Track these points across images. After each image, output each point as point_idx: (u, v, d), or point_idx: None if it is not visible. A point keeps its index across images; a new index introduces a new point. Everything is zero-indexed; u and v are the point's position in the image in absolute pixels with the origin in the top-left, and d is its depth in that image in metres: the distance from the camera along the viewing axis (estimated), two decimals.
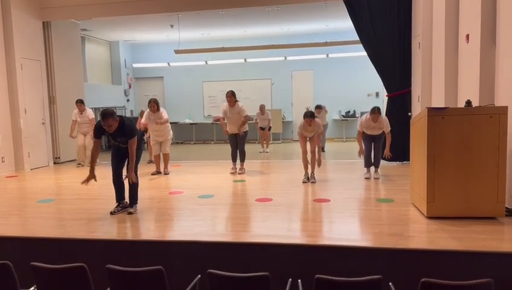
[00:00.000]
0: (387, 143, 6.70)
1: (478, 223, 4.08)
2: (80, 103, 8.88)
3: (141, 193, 5.16)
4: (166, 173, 7.72)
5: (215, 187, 6.38)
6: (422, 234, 3.97)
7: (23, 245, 4.16)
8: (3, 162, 8.29)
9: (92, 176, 4.76)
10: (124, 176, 5.06)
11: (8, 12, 8.28)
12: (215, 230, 4.43)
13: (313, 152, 6.60)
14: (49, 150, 9.36)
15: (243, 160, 7.63)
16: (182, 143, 14.29)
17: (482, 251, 3.44)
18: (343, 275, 2.61)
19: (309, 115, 6.45)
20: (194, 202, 5.48)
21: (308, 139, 6.64)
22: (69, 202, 5.76)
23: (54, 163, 9.50)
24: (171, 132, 8.02)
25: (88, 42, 12.79)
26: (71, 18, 9.72)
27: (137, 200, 5.09)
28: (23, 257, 3.52)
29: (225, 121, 7.63)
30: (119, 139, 4.85)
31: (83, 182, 4.74)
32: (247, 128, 7.62)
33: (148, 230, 4.51)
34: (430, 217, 4.28)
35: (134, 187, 5.02)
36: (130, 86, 14.59)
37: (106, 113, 4.59)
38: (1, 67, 8.32)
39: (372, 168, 6.92)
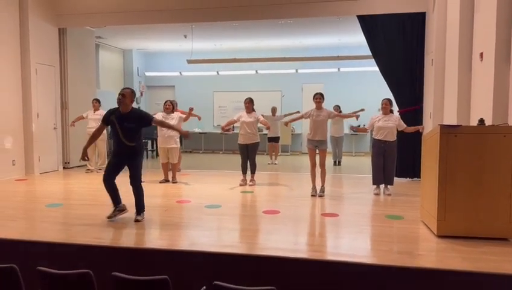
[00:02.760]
0: (412, 130, 6.72)
1: (489, 244, 3.99)
2: (96, 101, 9.07)
3: (148, 201, 5.15)
4: (174, 182, 7.72)
5: (223, 197, 6.36)
6: (432, 253, 3.90)
7: (30, 249, 4.16)
8: (13, 165, 8.36)
9: (84, 153, 4.98)
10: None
11: (25, 18, 8.44)
12: (222, 241, 4.39)
13: (322, 165, 6.56)
14: (59, 154, 9.43)
15: (253, 172, 7.51)
16: (190, 152, 14.33)
17: (493, 273, 3.36)
18: None
19: (318, 93, 6.63)
20: (201, 212, 5.46)
21: (317, 152, 6.60)
22: (77, 207, 5.77)
23: (64, 168, 9.56)
24: (178, 139, 7.87)
25: (102, 50, 12.95)
26: (86, 25, 9.87)
27: (144, 207, 5.06)
28: (29, 260, 3.51)
29: (232, 126, 7.57)
30: (126, 124, 4.77)
31: (81, 159, 5.05)
32: (259, 140, 7.55)
33: (154, 238, 4.49)
34: (440, 236, 4.21)
35: (140, 195, 5.00)
36: (141, 94, 14.71)
37: (127, 87, 4.99)
38: (16, 71, 8.45)
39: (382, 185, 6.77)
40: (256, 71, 13.07)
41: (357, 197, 6.58)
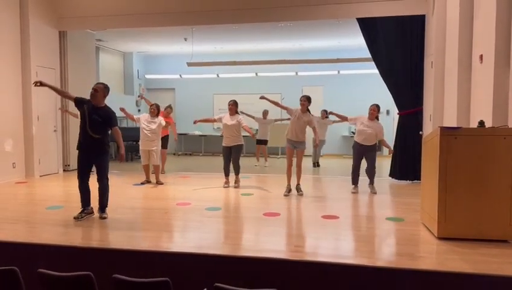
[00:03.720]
0: (385, 144, 7.02)
1: (490, 246, 3.99)
2: None
3: (149, 203, 5.17)
4: (159, 183, 7.72)
5: (223, 200, 6.36)
6: (432, 255, 3.90)
7: (30, 251, 4.16)
8: (14, 167, 8.36)
9: (42, 82, 5.23)
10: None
11: (26, 21, 8.45)
12: (223, 243, 4.39)
13: (298, 166, 6.71)
14: (59, 157, 9.43)
15: (237, 173, 7.52)
16: (190, 155, 14.34)
17: (493, 275, 3.36)
18: None
19: (304, 96, 6.73)
20: (202, 214, 5.46)
21: (295, 153, 6.72)
22: (77, 209, 5.73)
23: (64, 170, 9.56)
24: (159, 142, 7.94)
25: (102, 52, 12.97)
26: (87, 28, 9.88)
27: (107, 205, 5.15)
28: (30, 263, 3.51)
29: (215, 123, 7.59)
30: (94, 116, 4.92)
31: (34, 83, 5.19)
32: (242, 142, 7.54)
33: (155, 240, 4.48)
34: (440, 238, 4.21)
35: (104, 193, 5.10)
36: (142, 97, 14.69)
37: (100, 83, 5.20)
38: (17, 74, 8.46)
39: (364, 183, 6.97)
40: (256, 74, 13.08)
41: (357, 199, 6.58)
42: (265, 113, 11.44)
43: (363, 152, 6.92)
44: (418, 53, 7.92)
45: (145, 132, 7.73)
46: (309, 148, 8.38)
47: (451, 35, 6.47)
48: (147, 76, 14.63)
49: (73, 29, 9.55)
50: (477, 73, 5.53)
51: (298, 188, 6.72)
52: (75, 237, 4.45)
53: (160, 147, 8.02)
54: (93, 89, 5.03)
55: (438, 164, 4.17)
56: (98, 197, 5.15)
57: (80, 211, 5.15)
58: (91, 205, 5.17)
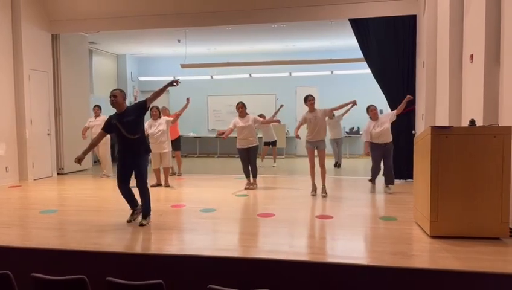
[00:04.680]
0: (401, 106, 6.90)
1: (482, 244, 4.03)
2: (98, 107, 9.10)
3: None
4: (167, 186, 7.70)
5: (218, 201, 6.37)
6: (425, 253, 3.93)
7: (24, 256, 4.15)
8: (7, 171, 8.32)
9: (81, 157, 4.94)
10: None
11: (18, 25, 8.43)
12: (217, 245, 4.40)
13: (322, 166, 6.62)
14: (53, 160, 9.40)
15: (255, 176, 7.44)
16: (185, 156, 14.30)
17: (485, 272, 3.39)
18: None
19: (310, 95, 6.70)
20: (196, 216, 5.47)
21: (316, 152, 6.65)
22: (71, 213, 5.76)
23: (58, 174, 9.53)
24: (169, 143, 7.89)
25: (95, 55, 12.94)
26: (79, 31, 9.87)
27: (149, 211, 5.07)
28: (24, 267, 3.51)
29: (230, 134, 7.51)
30: (125, 120, 4.83)
31: (75, 160, 4.97)
32: (257, 143, 7.49)
33: (149, 243, 4.49)
34: (433, 237, 4.24)
35: (145, 198, 5.02)
36: (135, 99, 14.68)
37: (115, 89, 5.05)
38: (9, 77, 8.43)
39: (380, 183, 6.94)
40: (250, 75, 13.09)
41: (352, 199, 6.61)
42: (262, 117, 11.42)
43: (384, 151, 6.82)
44: (410, 53, 7.97)
45: (155, 136, 7.59)
46: (329, 148, 8.30)
47: (442, 35, 6.52)
48: (141, 78, 14.60)
49: (65, 32, 9.53)
50: (468, 72, 5.58)
51: (323, 189, 6.63)
52: (68, 241, 4.44)
53: (171, 149, 7.96)
54: (111, 96, 4.93)
55: (429, 163, 4.21)
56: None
57: (130, 213, 5.11)
58: (139, 204, 5.11)
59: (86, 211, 5.77)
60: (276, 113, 11.24)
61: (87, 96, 10.70)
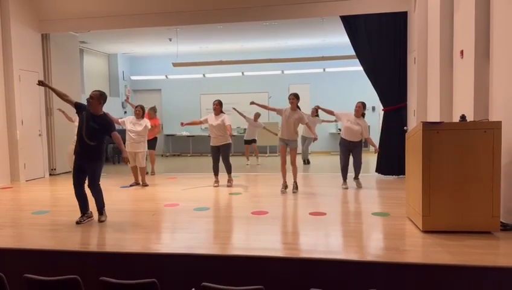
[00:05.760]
0: (371, 143, 7.22)
1: (473, 238, 4.07)
2: None
3: (137, 205, 5.16)
4: (145, 185, 7.71)
5: (211, 200, 6.37)
6: (418, 248, 3.96)
7: (16, 257, 4.12)
8: None
9: (42, 82, 5.33)
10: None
11: (7, 24, 8.33)
12: (211, 243, 4.40)
13: (292, 163, 6.75)
14: (45, 161, 9.33)
15: (229, 172, 7.52)
16: (178, 155, 14.30)
17: (477, 266, 3.43)
18: (338, 288, 2.61)
19: (292, 94, 6.79)
20: (190, 215, 5.46)
21: (288, 150, 6.78)
22: (63, 213, 5.72)
23: (50, 175, 9.46)
24: (145, 145, 7.93)
25: (86, 54, 12.85)
26: (70, 30, 9.78)
27: (103, 206, 5.17)
28: (16, 268, 3.48)
29: (201, 124, 7.64)
30: (91, 123, 4.96)
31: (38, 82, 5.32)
32: (230, 141, 7.52)
33: (143, 242, 4.47)
34: (425, 231, 4.28)
35: (98, 197, 5.13)
36: (127, 98, 14.59)
37: (97, 90, 5.17)
38: None
39: (350, 178, 7.12)
40: (243, 73, 13.08)
41: (344, 195, 6.64)
42: (256, 116, 11.45)
43: (350, 148, 7.03)
44: (401, 49, 8.01)
45: (131, 134, 7.70)
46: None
47: (432, 31, 6.57)
48: (133, 77, 14.53)
49: (55, 31, 9.45)
50: (458, 68, 5.63)
51: (295, 185, 6.77)
52: (61, 241, 4.41)
53: (146, 150, 7.99)
54: (90, 96, 5.08)
55: (421, 159, 4.24)
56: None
57: (79, 215, 5.14)
58: (90, 210, 5.19)
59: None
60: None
61: (79, 96, 10.59)
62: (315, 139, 7.47)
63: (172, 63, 11.71)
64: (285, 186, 6.79)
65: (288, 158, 6.81)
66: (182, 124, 7.76)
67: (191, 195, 6.84)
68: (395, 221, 4.91)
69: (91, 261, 3.98)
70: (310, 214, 5.42)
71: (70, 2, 8.95)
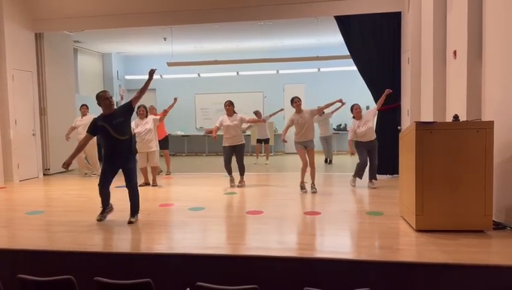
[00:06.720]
0: (380, 100, 7.10)
1: (466, 236, 4.11)
2: (85, 106, 8.99)
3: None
4: (154, 185, 7.66)
5: (207, 199, 6.37)
6: (411, 247, 3.99)
7: (11, 257, 4.11)
8: None
9: (69, 161, 4.98)
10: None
11: (0, 24, 8.28)
12: (205, 243, 4.41)
13: (311, 164, 6.69)
14: (38, 161, 9.28)
15: (242, 174, 7.43)
16: (173, 155, 14.25)
17: (470, 264, 3.46)
18: (332, 287, 2.62)
19: (296, 97, 6.80)
20: (185, 215, 5.46)
21: (306, 150, 6.71)
22: (58, 214, 5.70)
23: (44, 174, 9.42)
24: (156, 142, 7.85)
25: (80, 54, 12.80)
26: (64, 30, 9.74)
27: (138, 210, 5.12)
28: (10, 269, 3.47)
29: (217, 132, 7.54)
30: (115, 122, 4.86)
31: (63, 165, 5.03)
32: (244, 141, 7.49)
33: (137, 242, 4.48)
34: (419, 230, 4.31)
35: (135, 197, 5.07)
36: (122, 98, 14.58)
37: (105, 91, 5.09)
38: None
39: (365, 178, 7.07)
40: (238, 73, 13.09)
41: (339, 194, 6.67)
42: (257, 114, 11.44)
43: (369, 148, 7.00)
44: (395, 50, 8.06)
45: (141, 135, 7.55)
46: (318, 145, 8.38)
47: (426, 31, 6.61)
48: (127, 77, 14.50)
49: (49, 31, 9.41)
50: (451, 68, 5.67)
51: (312, 186, 6.72)
52: (55, 242, 4.40)
53: (158, 148, 7.91)
54: (110, 97, 4.99)
55: (414, 158, 4.27)
56: (129, 203, 5.11)
57: (100, 212, 5.14)
58: (111, 205, 5.21)
59: (72, 212, 5.72)
60: (273, 114, 11.27)
61: (73, 95, 10.58)
62: (341, 102, 7.57)
63: (167, 63, 11.69)
64: (304, 185, 6.73)
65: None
66: (214, 137, 7.53)
67: (186, 195, 6.83)
68: (389, 220, 4.94)
69: (85, 262, 3.97)
70: (305, 213, 5.44)
71: (65, 1, 8.91)
